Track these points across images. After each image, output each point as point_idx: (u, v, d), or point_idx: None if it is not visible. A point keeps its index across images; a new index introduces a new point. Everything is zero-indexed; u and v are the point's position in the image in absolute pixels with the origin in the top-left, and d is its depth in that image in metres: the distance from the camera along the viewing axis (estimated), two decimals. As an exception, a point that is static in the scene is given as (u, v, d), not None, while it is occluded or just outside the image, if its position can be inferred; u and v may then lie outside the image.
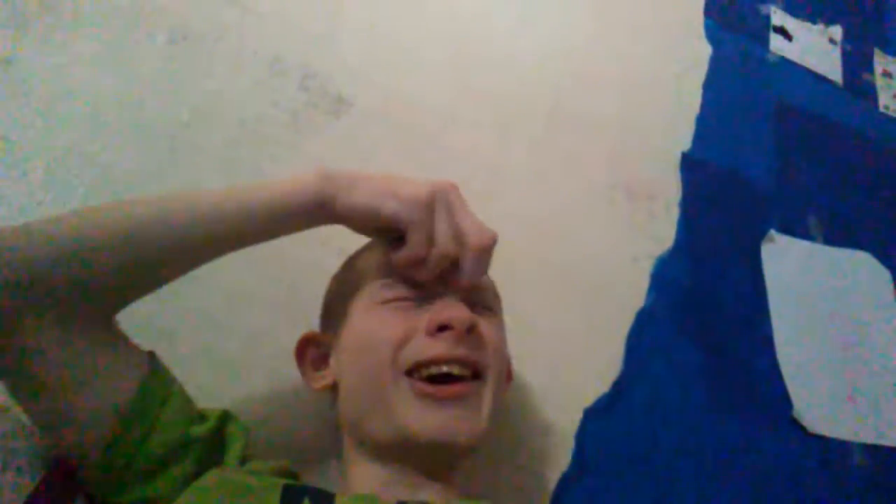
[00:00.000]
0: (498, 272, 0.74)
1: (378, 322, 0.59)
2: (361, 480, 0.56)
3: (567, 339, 0.87)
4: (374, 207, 0.56)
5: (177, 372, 0.69)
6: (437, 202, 0.56)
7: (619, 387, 0.86)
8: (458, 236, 0.57)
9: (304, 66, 0.92)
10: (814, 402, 0.94)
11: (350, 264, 0.69)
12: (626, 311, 0.92)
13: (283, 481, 0.50)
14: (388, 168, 0.88)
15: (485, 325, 0.60)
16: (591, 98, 1.08)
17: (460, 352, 0.56)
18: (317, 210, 0.57)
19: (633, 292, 0.94)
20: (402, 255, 0.57)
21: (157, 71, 0.85)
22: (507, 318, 0.73)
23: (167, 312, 0.72)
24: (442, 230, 0.56)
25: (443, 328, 0.56)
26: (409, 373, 0.56)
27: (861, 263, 1.11)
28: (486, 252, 0.58)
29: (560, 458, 0.79)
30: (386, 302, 0.60)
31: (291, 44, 0.93)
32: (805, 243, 1.09)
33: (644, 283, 0.95)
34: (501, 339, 0.64)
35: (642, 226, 1.00)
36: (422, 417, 0.54)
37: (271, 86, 0.89)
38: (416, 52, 1.01)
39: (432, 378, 0.55)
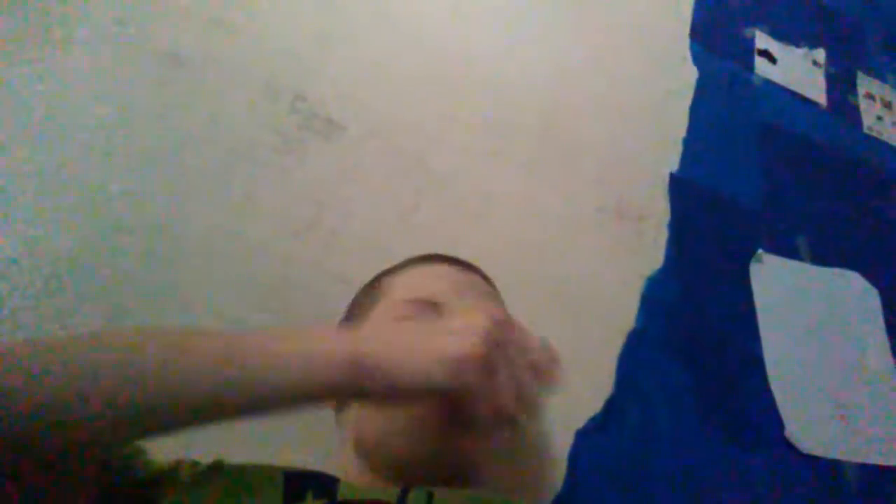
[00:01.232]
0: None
1: None
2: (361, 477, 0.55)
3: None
4: (420, 384, 0.43)
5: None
6: (495, 355, 0.45)
7: (611, 407, 0.86)
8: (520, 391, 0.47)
9: (295, 90, 0.93)
10: (805, 422, 0.94)
11: (372, 285, 0.69)
12: (618, 331, 0.92)
13: (283, 468, 0.49)
14: (379, 190, 0.90)
15: None
16: (580, 121, 1.10)
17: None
18: (347, 398, 0.51)
19: (624, 313, 0.94)
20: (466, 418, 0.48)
21: (149, 95, 0.85)
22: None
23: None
24: (506, 392, 0.46)
25: None
26: None
27: (849, 282, 1.12)
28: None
29: (554, 479, 0.78)
30: (402, 319, 0.59)
31: (282, 68, 0.94)
32: (793, 263, 1.10)
33: (634, 303, 0.95)
34: None
35: (632, 247, 1.01)
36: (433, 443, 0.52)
37: (262, 109, 0.90)
38: (407, 76, 1.02)
39: None
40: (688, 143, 1.16)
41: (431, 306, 0.59)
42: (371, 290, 0.68)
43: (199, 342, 0.42)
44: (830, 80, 1.41)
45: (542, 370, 0.49)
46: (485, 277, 0.71)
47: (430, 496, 0.49)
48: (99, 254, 0.74)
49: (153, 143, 0.83)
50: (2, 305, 0.68)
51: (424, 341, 0.45)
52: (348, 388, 0.43)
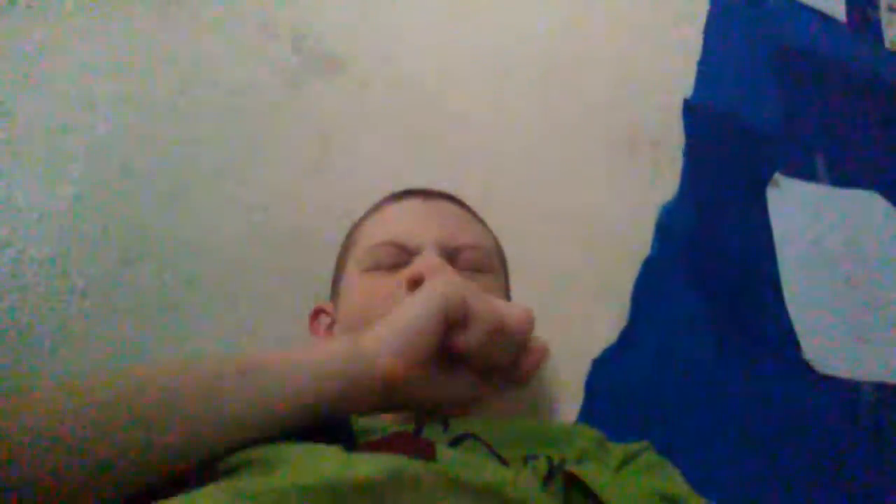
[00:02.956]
0: (502, 227, 0.74)
1: (360, 292, 0.61)
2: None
3: (573, 290, 0.87)
4: (422, 317, 0.46)
5: (186, 341, 0.70)
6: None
7: (627, 336, 0.86)
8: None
9: (296, 28, 0.90)
10: (823, 343, 0.94)
11: (348, 234, 0.71)
12: (632, 260, 0.92)
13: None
14: (385, 127, 0.89)
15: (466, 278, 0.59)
16: (590, 47, 1.06)
17: None
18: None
19: (639, 242, 0.94)
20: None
21: (148, 38, 0.83)
22: (514, 269, 0.73)
23: (175, 284, 0.73)
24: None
25: (418, 282, 0.56)
26: None
27: (868, 203, 1.10)
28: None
29: (569, 408, 0.80)
30: (368, 270, 0.61)
31: (281, 4, 0.91)
32: (811, 185, 1.08)
33: (649, 232, 0.95)
34: (490, 292, 0.60)
35: (646, 175, 0.99)
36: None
37: (263, 49, 0.88)
38: (409, 11, 0.98)
39: None
40: (702, 66, 1.12)
41: (394, 247, 0.61)
42: (346, 242, 0.70)
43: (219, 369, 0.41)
44: (850, -6, 1.35)
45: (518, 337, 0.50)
46: (458, 202, 0.70)
47: (446, 424, 0.49)
48: (109, 200, 0.74)
49: (155, 89, 0.81)
50: (18, 258, 0.69)
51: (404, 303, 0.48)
52: (360, 373, 0.43)
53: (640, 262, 0.92)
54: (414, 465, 0.36)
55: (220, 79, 0.84)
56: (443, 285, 0.47)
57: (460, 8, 1.02)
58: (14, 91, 0.76)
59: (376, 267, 0.61)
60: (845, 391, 0.92)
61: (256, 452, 0.38)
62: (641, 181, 0.98)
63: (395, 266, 0.60)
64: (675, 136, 1.04)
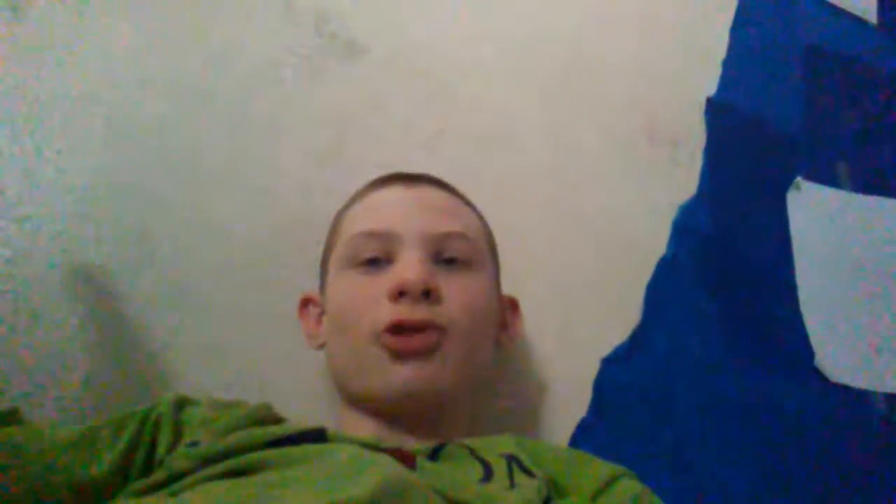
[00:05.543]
0: (517, 222, 0.73)
1: (343, 292, 0.61)
2: (353, 430, 0.57)
3: (586, 288, 0.86)
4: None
5: (184, 323, 0.70)
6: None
7: (638, 336, 0.85)
8: None
9: (318, 11, 0.90)
10: (836, 351, 0.93)
11: (332, 223, 0.70)
12: (647, 260, 0.91)
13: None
14: (403, 116, 0.88)
15: (447, 284, 0.59)
16: (613, 41, 1.05)
17: (418, 315, 0.56)
18: None
19: (654, 241, 0.92)
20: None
21: (169, 18, 0.83)
22: (525, 266, 0.73)
23: (188, 265, 0.73)
24: None
25: (402, 294, 0.56)
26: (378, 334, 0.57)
27: (890, 211, 1.08)
28: None
29: (578, 405, 0.79)
30: (350, 266, 0.61)
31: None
32: (833, 191, 1.06)
33: (665, 231, 0.93)
34: (474, 294, 0.61)
35: (665, 173, 0.98)
36: (385, 377, 0.55)
37: (284, 31, 0.87)
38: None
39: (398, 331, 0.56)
40: (727, 64, 1.10)
41: (375, 240, 0.60)
42: (330, 232, 0.69)
43: None
44: (883, -5, 1.32)
45: None
46: (444, 186, 0.68)
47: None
48: (127, 178, 0.75)
49: (174, 69, 0.81)
50: (36, 231, 0.69)
51: None
52: None
53: (654, 262, 0.91)
54: (403, 477, 0.36)
55: (239, 60, 0.84)
56: None
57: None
58: (38, 66, 0.76)
59: (358, 263, 0.60)
60: (857, 401, 0.91)
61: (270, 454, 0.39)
62: (660, 179, 0.97)
63: (378, 261, 0.60)
64: (695, 135, 1.02)
